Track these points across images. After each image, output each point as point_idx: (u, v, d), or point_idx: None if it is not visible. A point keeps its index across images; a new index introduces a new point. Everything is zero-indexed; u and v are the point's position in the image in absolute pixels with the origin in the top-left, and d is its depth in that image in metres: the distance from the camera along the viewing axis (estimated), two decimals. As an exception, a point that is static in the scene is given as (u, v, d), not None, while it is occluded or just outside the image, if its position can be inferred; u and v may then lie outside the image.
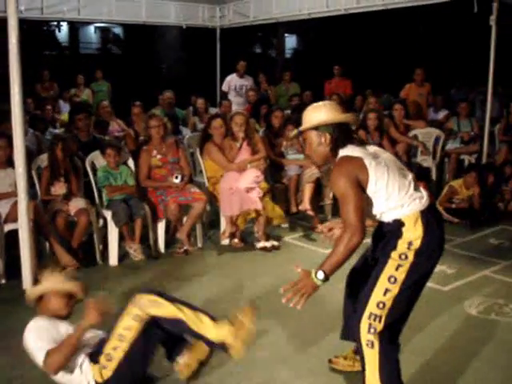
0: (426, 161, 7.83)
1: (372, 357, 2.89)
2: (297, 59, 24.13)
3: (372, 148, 3.07)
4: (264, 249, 5.75)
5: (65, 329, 3.02)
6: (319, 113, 3.01)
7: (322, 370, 3.54)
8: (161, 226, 5.68)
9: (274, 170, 6.51)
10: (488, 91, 8.07)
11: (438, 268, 3.05)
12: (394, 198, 2.88)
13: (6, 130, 5.42)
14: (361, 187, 2.84)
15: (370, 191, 2.86)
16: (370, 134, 7.25)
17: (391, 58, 16.10)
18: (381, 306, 2.86)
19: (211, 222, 6.32)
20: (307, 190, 6.19)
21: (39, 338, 2.97)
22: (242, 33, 14.65)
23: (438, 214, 3.08)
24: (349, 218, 2.77)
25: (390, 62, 15.82)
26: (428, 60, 12.88)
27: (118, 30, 23.61)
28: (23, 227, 4.57)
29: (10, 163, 5.19)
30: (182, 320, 2.99)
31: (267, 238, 5.90)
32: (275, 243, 5.83)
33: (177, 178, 5.67)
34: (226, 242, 5.90)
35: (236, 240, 5.84)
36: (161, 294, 3.07)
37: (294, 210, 6.48)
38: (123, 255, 5.50)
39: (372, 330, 2.86)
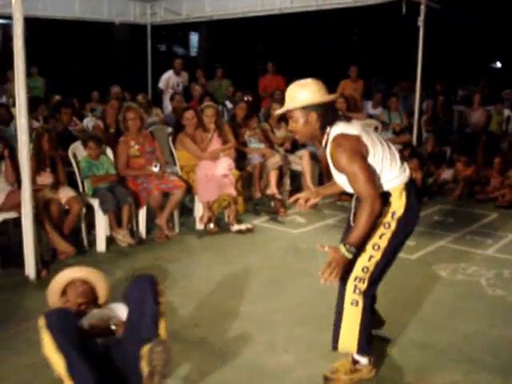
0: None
1: (355, 314, 3.18)
2: (202, 57, 24.46)
3: (358, 123, 3.17)
4: (240, 231, 6.14)
5: None
6: (306, 93, 3.05)
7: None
8: (142, 213, 5.94)
9: (237, 159, 6.90)
10: (416, 87, 8.93)
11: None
12: (387, 170, 3.07)
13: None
14: (365, 159, 3.01)
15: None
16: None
17: (324, 55, 16.88)
18: (365, 270, 3.14)
19: (182, 209, 6.63)
20: (273, 177, 6.71)
21: None
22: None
23: (416, 187, 3.27)
24: (364, 190, 2.94)
25: (324, 59, 16.58)
26: (360, 58, 13.77)
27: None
28: (27, 215, 4.72)
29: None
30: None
31: (238, 222, 6.31)
32: (249, 226, 6.24)
33: (156, 166, 5.95)
34: (201, 226, 6.24)
35: (211, 225, 6.19)
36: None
37: (258, 195, 6.93)
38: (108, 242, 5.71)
39: (357, 291, 3.15)
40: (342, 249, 2.95)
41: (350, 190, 3.14)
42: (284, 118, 7.59)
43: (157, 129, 7.14)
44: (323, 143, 3.14)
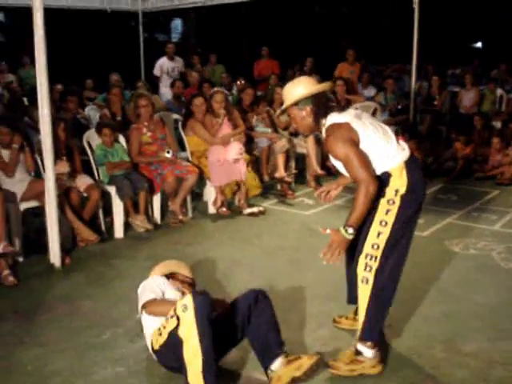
0: (365, 131, 8.65)
1: (365, 291, 3.24)
2: (185, 43, 24.36)
3: (353, 111, 3.30)
4: (252, 214, 6.27)
5: (172, 295, 3.41)
6: (296, 88, 3.25)
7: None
8: (156, 199, 6.04)
9: (245, 143, 7.01)
10: (412, 68, 9.11)
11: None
12: (382, 152, 3.16)
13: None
14: (356, 145, 3.13)
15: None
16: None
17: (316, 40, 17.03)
18: (375, 247, 3.20)
19: (192, 193, 6.73)
20: (280, 160, 6.84)
21: (148, 286, 3.44)
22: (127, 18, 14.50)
23: (418, 163, 3.39)
24: (358, 174, 3.06)
25: (316, 43, 16.71)
26: (357, 41, 13.93)
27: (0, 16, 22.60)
28: (51, 203, 4.80)
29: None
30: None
31: (249, 206, 6.43)
32: (261, 209, 6.37)
33: (168, 152, 6.04)
34: (213, 210, 6.37)
35: (224, 209, 6.30)
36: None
37: (266, 178, 7.06)
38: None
39: (368, 268, 3.21)
40: (342, 231, 3.08)
41: (349, 175, 3.24)
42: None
43: (162, 115, 7.20)
44: (323, 134, 3.28)
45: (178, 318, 2.93)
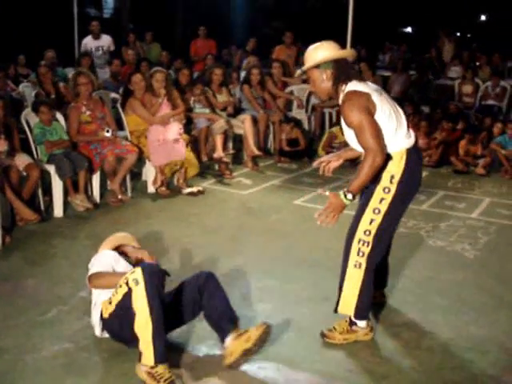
0: (300, 113, 8.90)
1: (357, 276, 3.37)
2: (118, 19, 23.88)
3: (375, 85, 3.31)
4: (191, 194, 6.36)
5: (124, 266, 3.50)
6: (319, 51, 3.24)
7: (305, 275, 4.39)
8: (95, 178, 6.04)
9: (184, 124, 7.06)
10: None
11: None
12: (392, 133, 3.20)
13: None
14: (372, 115, 3.14)
15: None
16: (254, 88, 8.11)
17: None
18: (367, 233, 3.31)
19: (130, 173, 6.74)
20: (219, 141, 6.95)
21: (97, 260, 3.49)
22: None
23: (419, 155, 3.45)
24: (368, 143, 3.09)
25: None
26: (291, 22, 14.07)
27: None
28: (-10, 183, 4.76)
29: None
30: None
31: (188, 185, 6.52)
32: (200, 188, 6.47)
33: (108, 131, 6.02)
34: (152, 190, 6.42)
35: (163, 188, 6.37)
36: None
37: (204, 159, 7.15)
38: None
39: (361, 254, 3.33)
40: (341, 195, 3.16)
41: (358, 147, 3.27)
42: (225, 83, 7.86)
43: (100, 94, 7.17)
44: (340, 101, 3.27)
45: (129, 290, 3.03)
